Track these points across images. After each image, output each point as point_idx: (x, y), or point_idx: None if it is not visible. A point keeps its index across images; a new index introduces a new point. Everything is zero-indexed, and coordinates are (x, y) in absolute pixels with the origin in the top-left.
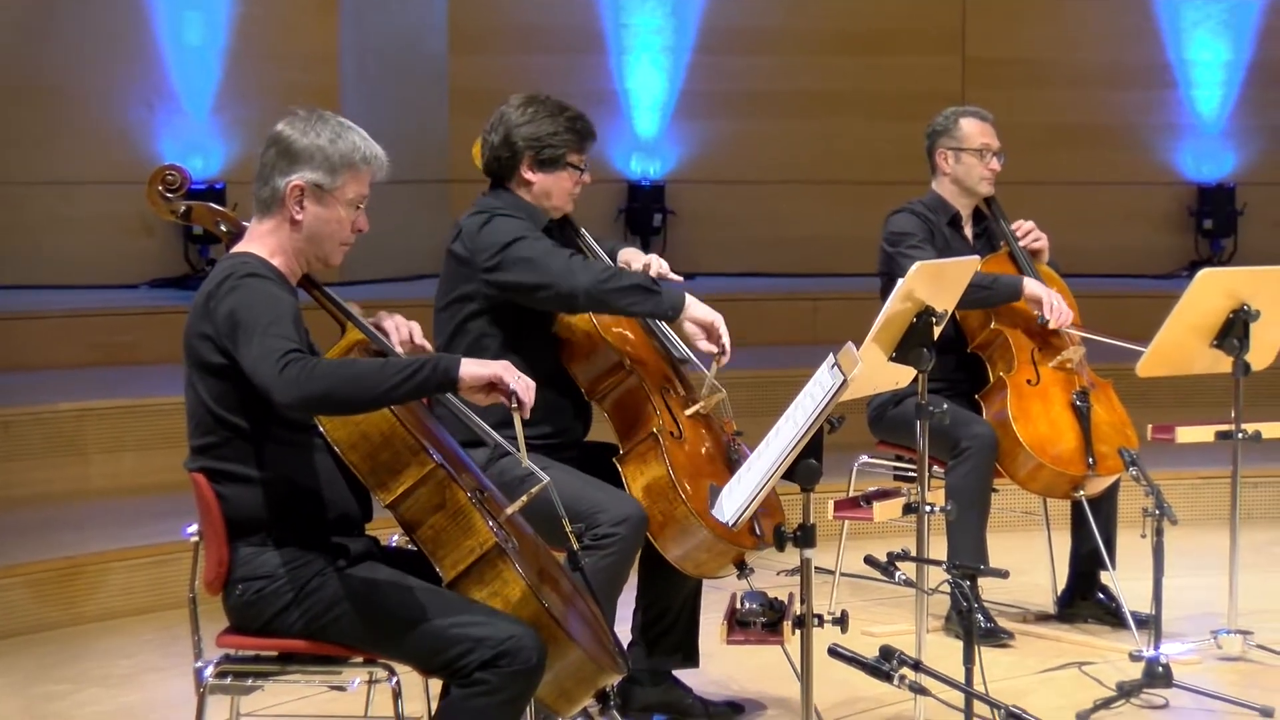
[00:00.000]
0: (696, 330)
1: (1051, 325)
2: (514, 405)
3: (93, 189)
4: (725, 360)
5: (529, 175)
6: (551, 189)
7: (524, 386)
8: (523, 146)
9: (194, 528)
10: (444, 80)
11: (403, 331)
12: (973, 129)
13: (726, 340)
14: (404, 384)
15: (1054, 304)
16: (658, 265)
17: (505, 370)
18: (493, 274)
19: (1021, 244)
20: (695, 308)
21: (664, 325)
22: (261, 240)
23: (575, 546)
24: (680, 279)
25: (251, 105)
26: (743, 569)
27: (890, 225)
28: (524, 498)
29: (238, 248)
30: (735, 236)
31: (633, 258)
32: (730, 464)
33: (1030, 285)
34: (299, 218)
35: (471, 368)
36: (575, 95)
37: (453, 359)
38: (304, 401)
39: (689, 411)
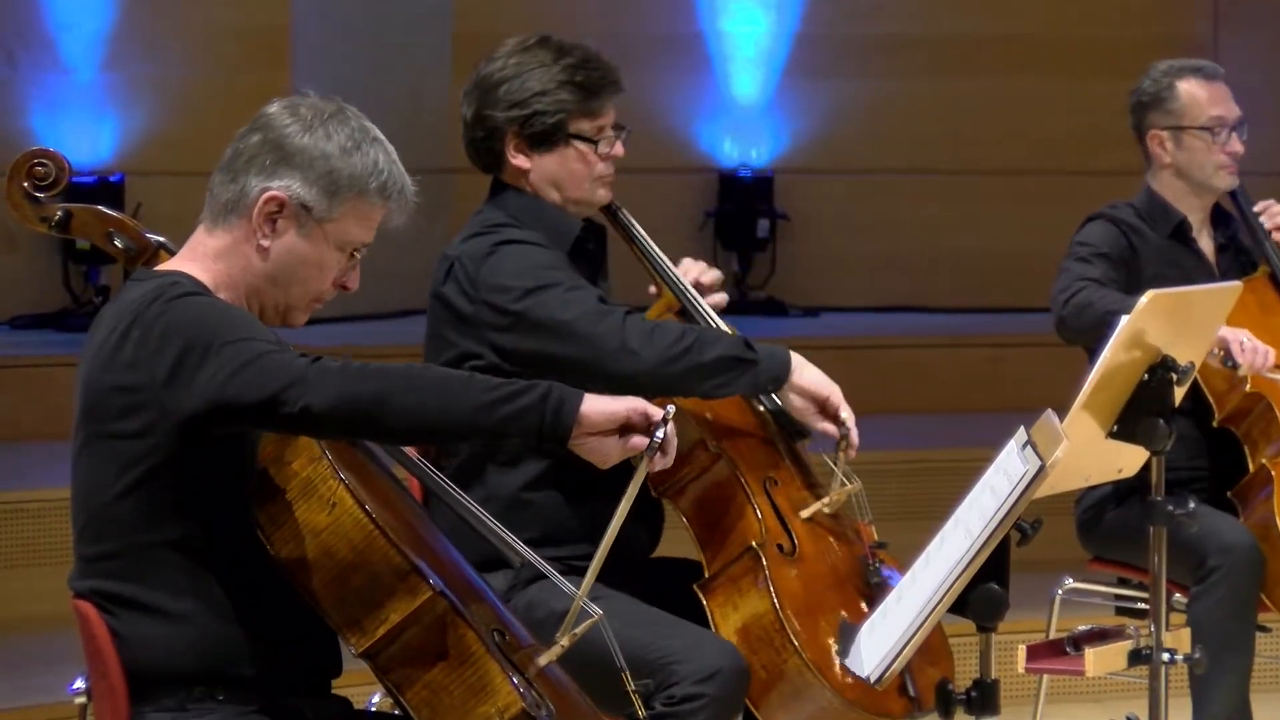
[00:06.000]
0: (805, 405)
1: (1244, 371)
2: (652, 448)
3: None
4: (853, 452)
5: (519, 161)
6: (559, 176)
7: (670, 426)
8: (502, 120)
9: (80, 683)
10: (446, 22)
11: None
12: (1197, 95)
13: (848, 416)
14: (499, 407)
15: (1244, 341)
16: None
17: (641, 403)
18: (507, 335)
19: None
20: (803, 372)
21: None
22: (205, 263)
23: (641, 715)
24: None
25: (161, 59)
26: None
27: (1076, 237)
28: (564, 641)
29: (168, 266)
30: (875, 252)
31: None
32: (867, 590)
33: None
34: (265, 243)
35: (597, 404)
36: (643, 43)
37: (569, 389)
38: (346, 403)
39: (806, 512)
